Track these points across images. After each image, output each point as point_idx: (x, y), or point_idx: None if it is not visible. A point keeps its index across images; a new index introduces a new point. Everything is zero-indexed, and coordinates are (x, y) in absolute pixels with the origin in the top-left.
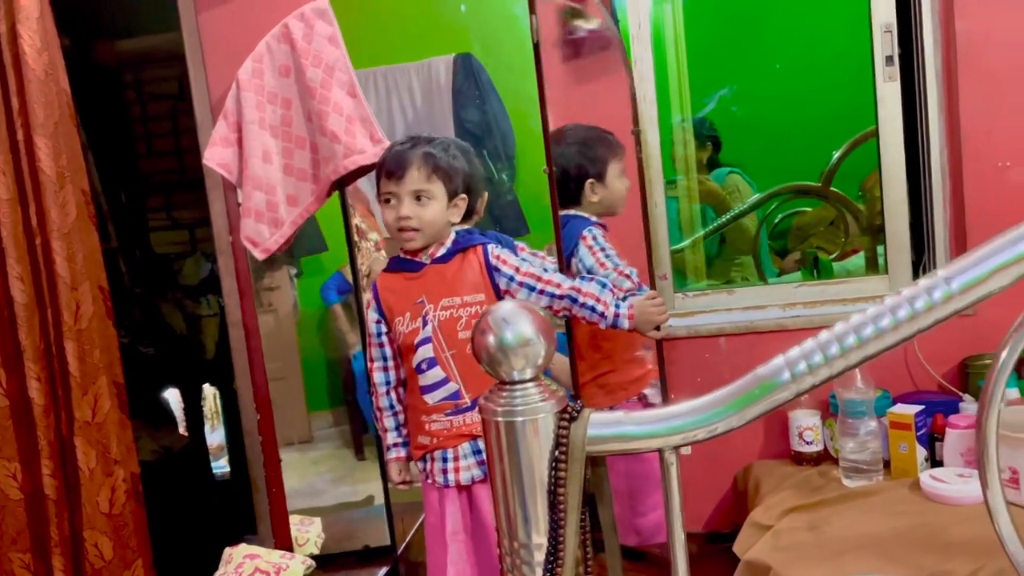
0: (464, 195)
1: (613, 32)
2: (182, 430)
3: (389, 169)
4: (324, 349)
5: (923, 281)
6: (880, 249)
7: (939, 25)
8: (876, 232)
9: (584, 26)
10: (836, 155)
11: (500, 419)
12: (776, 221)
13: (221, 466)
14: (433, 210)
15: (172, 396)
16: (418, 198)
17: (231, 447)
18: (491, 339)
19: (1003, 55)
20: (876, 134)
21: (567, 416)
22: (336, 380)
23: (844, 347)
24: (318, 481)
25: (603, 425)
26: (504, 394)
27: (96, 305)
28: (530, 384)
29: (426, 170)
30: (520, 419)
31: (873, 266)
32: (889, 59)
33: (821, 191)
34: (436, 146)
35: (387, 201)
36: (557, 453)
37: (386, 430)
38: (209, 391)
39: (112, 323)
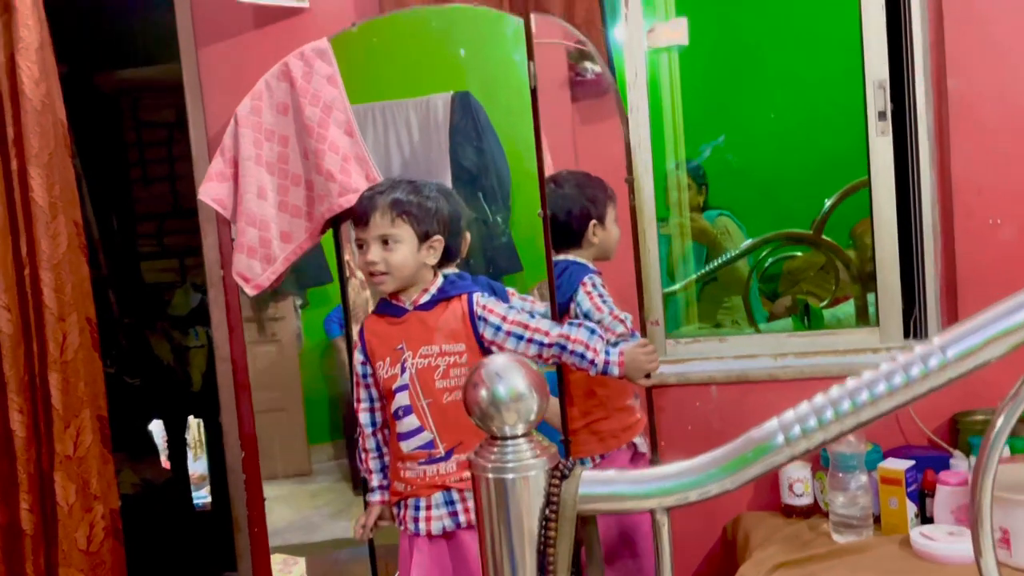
0: (439, 236)
1: (608, 79)
2: (164, 462)
3: (356, 216)
4: (326, 381)
5: (919, 348)
6: (870, 298)
7: (931, 82)
8: (866, 280)
9: (591, 68)
10: (828, 203)
11: (490, 475)
12: (767, 265)
13: (202, 496)
14: (401, 254)
15: (156, 428)
16: (385, 242)
17: (214, 482)
18: (483, 393)
19: (995, 113)
20: (868, 186)
21: (559, 474)
22: (337, 413)
23: (839, 412)
24: (314, 515)
25: (595, 483)
26: (495, 449)
27: (83, 337)
28: (522, 440)
29: (390, 214)
30: (511, 476)
31: (863, 315)
32: (882, 114)
33: (813, 238)
34: (406, 190)
35: (359, 247)
36: (548, 512)
37: (370, 472)
38: (193, 421)
39: (98, 355)
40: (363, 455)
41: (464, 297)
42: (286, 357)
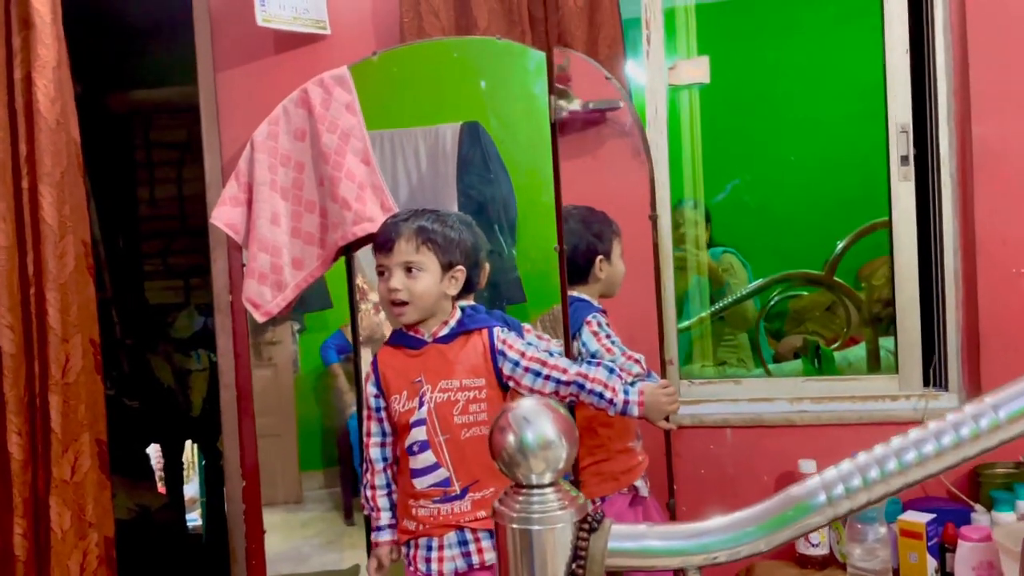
0: (462, 267)
1: (633, 116)
2: (160, 488)
3: (379, 242)
4: (321, 408)
5: (969, 407)
6: (882, 342)
7: (955, 129)
8: (876, 322)
9: (613, 104)
10: (840, 245)
11: (515, 526)
12: (773, 303)
13: (193, 519)
14: (424, 283)
15: (152, 452)
16: (409, 270)
17: (211, 512)
18: (511, 438)
19: (1020, 163)
20: (889, 231)
21: (587, 527)
22: (331, 440)
23: (885, 472)
24: (304, 545)
25: (624, 538)
26: (520, 498)
27: (86, 359)
28: (549, 489)
29: (415, 241)
30: (536, 527)
31: (875, 358)
32: (904, 159)
33: (827, 280)
34: (431, 218)
35: (381, 274)
36: (575, 566)
37: (378, 510)
38: (189, 445)
39: (100, 378)
40: (369, 492)
41: (484, 331)
42: (281, 382)
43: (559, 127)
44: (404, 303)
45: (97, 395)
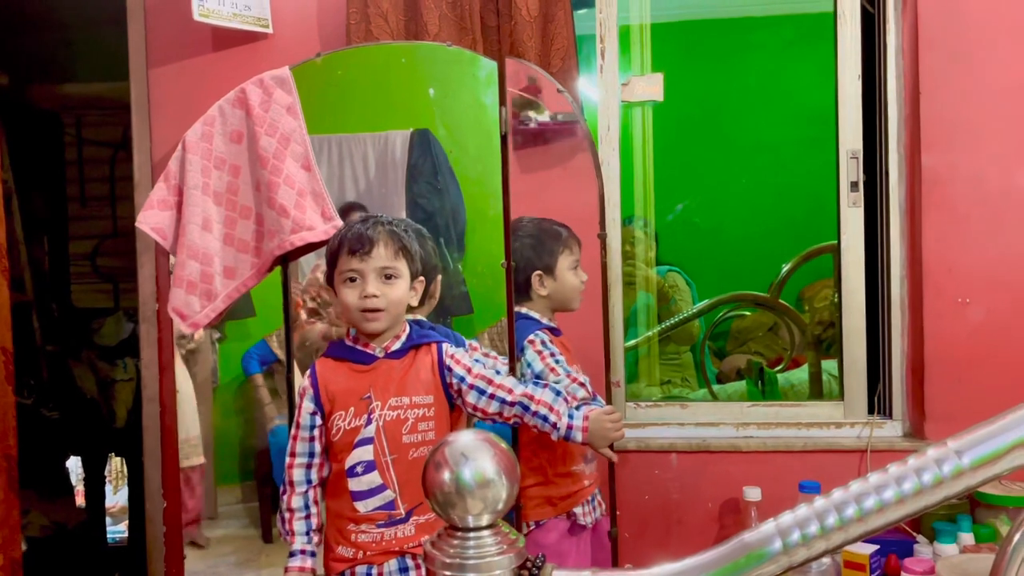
0: (422, 278)
1: (584, 130)
2: (80, 503)
3: (353, 246)
4: (240, 420)
5: (932, 451)
6: (825, 365)
7: (905, 156)
8: (817, 344)
9: (566, 117)
10: (786, 268)
11: (448, 573)
12: (720, 322)
13: (119, 531)
14: (400, 290)
15: (72, 466)
16: (387, 277)
17: (135, 527)
18: (446, 476)
19: (968, 192)
20: (837, 257)
21: (526, 573)
22: (249, 453)
23: (843, 519)
24: (219, 564)
25: None
26: (455, 542)
27: None
28: (486, 532)
29: (393, 247)
30: (471, 574)
31: (817, 381)
32: (854, 184)
33: (772, 302)
34: (399, 224)
35: (351, 280)
36: None
37: (293, 533)
38: (115, 460)
39: (12, 389)
40: (286, 515)
41: (433, 346)
42: (200, 392)
43: (520, 138)
44: (380, 310)
45: (8, 407)
